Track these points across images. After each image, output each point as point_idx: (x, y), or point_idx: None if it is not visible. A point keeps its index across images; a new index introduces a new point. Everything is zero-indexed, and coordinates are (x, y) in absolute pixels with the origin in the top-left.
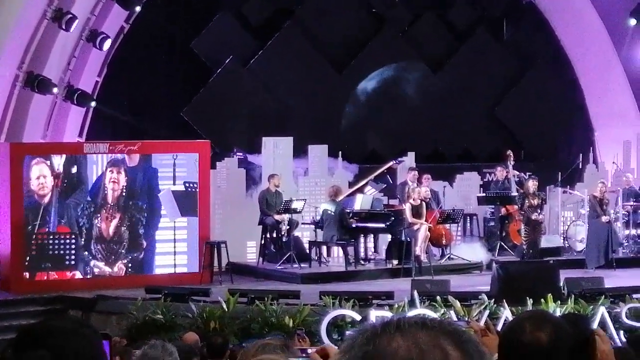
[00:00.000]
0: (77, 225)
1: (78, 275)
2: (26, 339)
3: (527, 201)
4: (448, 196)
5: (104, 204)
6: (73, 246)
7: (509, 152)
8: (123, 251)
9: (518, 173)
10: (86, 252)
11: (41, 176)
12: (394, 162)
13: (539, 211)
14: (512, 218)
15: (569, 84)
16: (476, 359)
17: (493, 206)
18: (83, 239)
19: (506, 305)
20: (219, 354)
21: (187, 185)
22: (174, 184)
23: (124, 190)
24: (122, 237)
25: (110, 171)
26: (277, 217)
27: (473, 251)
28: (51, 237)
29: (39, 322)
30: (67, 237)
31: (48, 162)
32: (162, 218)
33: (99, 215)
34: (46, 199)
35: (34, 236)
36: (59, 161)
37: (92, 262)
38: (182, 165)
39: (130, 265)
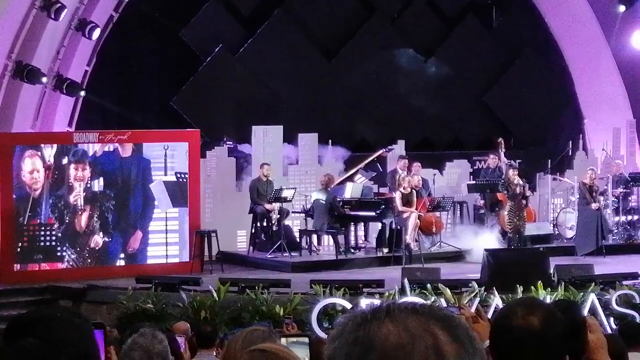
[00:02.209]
0: (60, 217)
1: (69, 266)
2: (16, 328)
3: (509, 189)
4: (438, 184)
5: (74, 199)
6: (62, 237)
7: (500, 140)
8: (94, 242)
9: (507, 161)
10: (70, 244)
11: (35, 170)
12: (384, 150)
13: (521, 199)
14: (502, 205)
15: (558, 71)
16: (467, 344)
17: (482, 194)
18: (65, 231)
19: (496, 292)
20: (208, 343)
21: (178, 175)
22: (165, 174)
23: (89, 183)
24: (93, 229)
25: (74, 168)
26: (267, 206)
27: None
28: (42, 228)
29: (29, 311)
30: (58, 228)
31: (39, 153)
32: (155, 209)
33: (69, 209)
34: (37, 191)
35: (25, 227)
36: (49, 152)
37: (73, 254)
38: (173, 155)
39: (123, 256)
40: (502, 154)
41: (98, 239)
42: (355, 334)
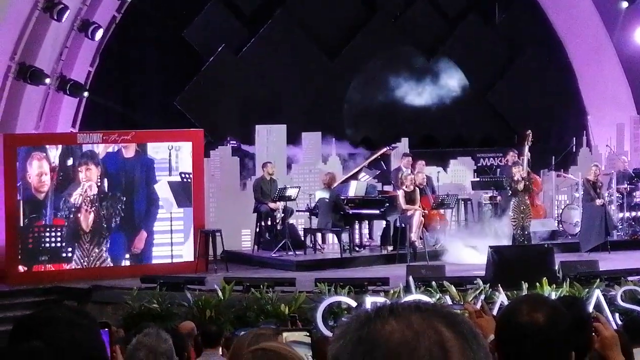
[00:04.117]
0: (65, 218)
1: (75, 266)
2: (22, 329)
3: (511, 186)
4: (442, 181)
5: (79, 200)
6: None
7: (529, 132)
8: (99, 243)
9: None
10: (75, 244)
11: (43, 174)
12: (388, 148)
13: (525, 196)
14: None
15: (561, 67)
16: (470, 339)
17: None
18: (70, 232)
19: (501, 289)
20: (213, 342)
21: (182, 175)
22: (170, 174)
23: (98, 182)
24: (98, 229)
25: (80, 170)
26: (271, 205)
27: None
28: (47, 229)
29: (35, 312)
30: (63, 229)
31: (45, 155)
32: (160, 209)
33: (74, 210)
34: (43, 193)
35: (31, 229)
36: (54, 153)
37: (78, 255)
38: (177, 155)
39: (128, 256)
40: (527, 147)
41: (103, 239)
42: (359, 333)
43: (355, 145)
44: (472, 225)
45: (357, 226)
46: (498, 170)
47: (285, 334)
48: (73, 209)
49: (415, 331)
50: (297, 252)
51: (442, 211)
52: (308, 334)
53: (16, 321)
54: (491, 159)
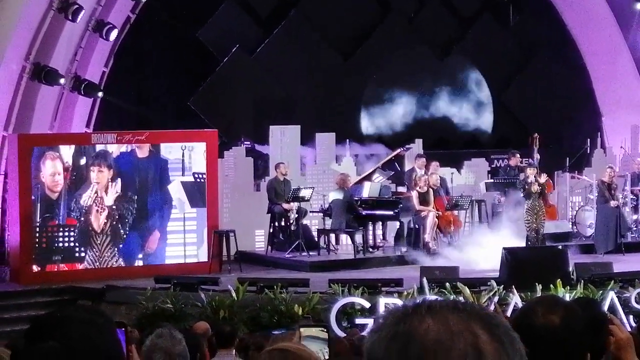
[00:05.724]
0: (78, 218)
1: (88, 266)
2: (37, 329)
3: (525, 188)
4: (456, 182)
5: (92, 200)
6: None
7: (536, 135)
8: (111, 243)
9: (532, 160)
10: (87, 245)
11: (56, 173)
12: (402, 149)
13: (540, 198)
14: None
15: (575, 69)
16: (507, 343)
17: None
18: (82, 232)
19: (515, 291)
20: (227, 343)
21: (196, 176)
22: (183, 174)
23: (107, 183)
24: (110, 230)
25: (93, 170)
26: (285, 205)
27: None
28: (61, 229)
29: (51, 312)
30: (76, 229)
31: (57, 153)
32: (173, 209)
33: (87, 210)
34: (56, 193)
35: (44, 228)
36: (67, 153)
37: (91, 255)
38: (190, 156)
39: (141, 256)
40: (536, 150)
41: (116, 240)
42: (396, 328)
43: (369, 146)
44: (484, 226)
45: (370, 227)
46: (500, 172)
47: (302, 329)
48: (84, 210)
49: (451, 331)
50: (310, 253)
51: (455, 212)
52: (324, 329)
53: (31, 321)
54: (505, 160)
